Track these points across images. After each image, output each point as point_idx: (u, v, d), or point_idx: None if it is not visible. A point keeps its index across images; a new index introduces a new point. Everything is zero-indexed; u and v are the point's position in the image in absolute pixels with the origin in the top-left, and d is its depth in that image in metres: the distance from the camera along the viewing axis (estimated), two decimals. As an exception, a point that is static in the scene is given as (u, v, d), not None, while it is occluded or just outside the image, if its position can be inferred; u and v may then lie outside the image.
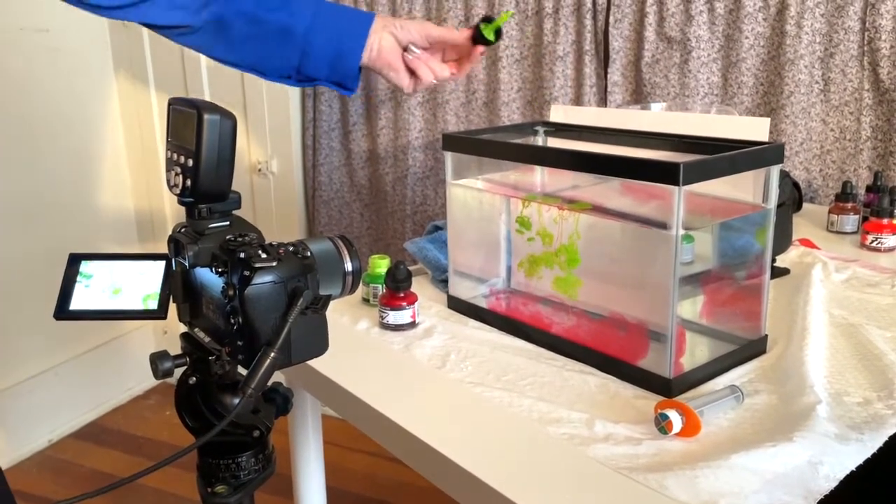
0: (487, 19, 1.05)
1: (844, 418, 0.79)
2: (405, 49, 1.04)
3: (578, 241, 0.96)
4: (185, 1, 0.91)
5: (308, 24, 0.98)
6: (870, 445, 0.75)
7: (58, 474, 2.24)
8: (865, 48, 1.62)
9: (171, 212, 2.58)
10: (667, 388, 0.86)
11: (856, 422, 0.79)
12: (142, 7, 0.88)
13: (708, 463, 0.72)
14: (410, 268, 1.32)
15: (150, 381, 2.68)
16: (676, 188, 0.80)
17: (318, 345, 0.62)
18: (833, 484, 0.70)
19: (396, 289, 1.07)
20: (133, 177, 2.62)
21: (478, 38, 1.05)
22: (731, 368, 0.92)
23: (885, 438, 0.77)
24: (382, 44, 1.02)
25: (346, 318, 1.13)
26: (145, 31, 2.40)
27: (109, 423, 2.51)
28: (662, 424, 0.77)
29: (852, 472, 0.72)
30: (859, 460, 0.73)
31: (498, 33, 1.05)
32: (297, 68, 1.00)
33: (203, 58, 2.34)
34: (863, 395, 0.85)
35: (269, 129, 2.31)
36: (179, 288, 0.66)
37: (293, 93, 2.28)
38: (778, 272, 1.21)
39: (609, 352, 0.93)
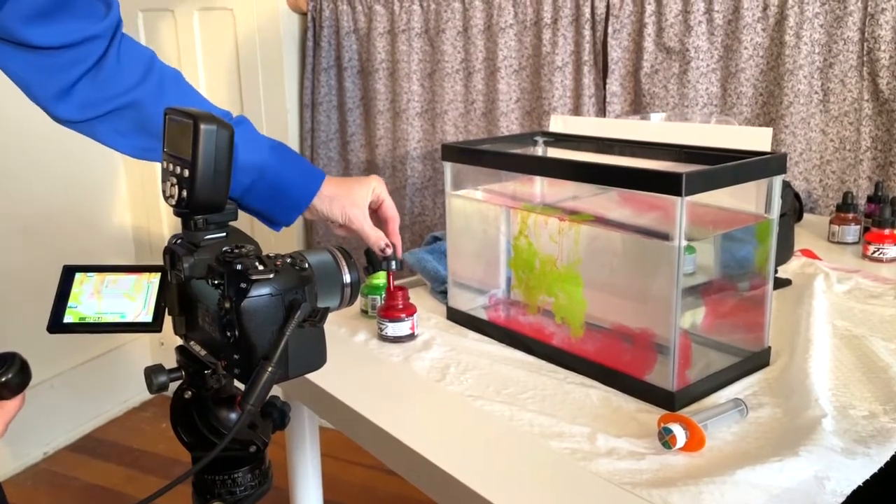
0: (376, 264, 1.05)
1: (850, 432, 0.78)
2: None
3: (579, 265, 0.95)
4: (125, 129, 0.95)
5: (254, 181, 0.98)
6: (877, 460, 0.74)
7: (53, 487, 2.22)
8: (865, 58, 1.62)
9: (169, 225, 2.57)
10: (670, 401, 0.85)
11: (862, 436, 0.78)
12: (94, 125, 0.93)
13: (713, 478, 0.70)
14: (408, 279, 1.31)
15: (146, 393, 2.64)
16: (679, 199, 0.79)
17: (317, 358, 0.61)
18: (840, 500, 0.68)
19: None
20: (130, 190, 2.62)
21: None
22: (735, 381, 0.91)
23: (891, 452, 0.75)
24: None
25: (344, 329, 1.12)
26: (142, 41, 2.40)
27: (105, 435, 2.49)
28: (666, 439, 0.75)
29: (859, 488, 0.71)
30: (866, 475, 0.72)
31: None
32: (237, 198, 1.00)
33: (201, 70, 2.34)
34: (868, 408, 0.84)
35: (267, 140, 2.30)
36: (175, 300, 0.64)
37: (291, 104, 2.28)
38: (780, 283, 1.20)
39: (611, 364, 0.91)
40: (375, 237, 1.03)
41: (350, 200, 1.02)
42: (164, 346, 2.63)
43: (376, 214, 1.06)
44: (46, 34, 0.85)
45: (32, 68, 0.88)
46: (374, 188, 1.04)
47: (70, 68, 0.89)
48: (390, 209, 1.06)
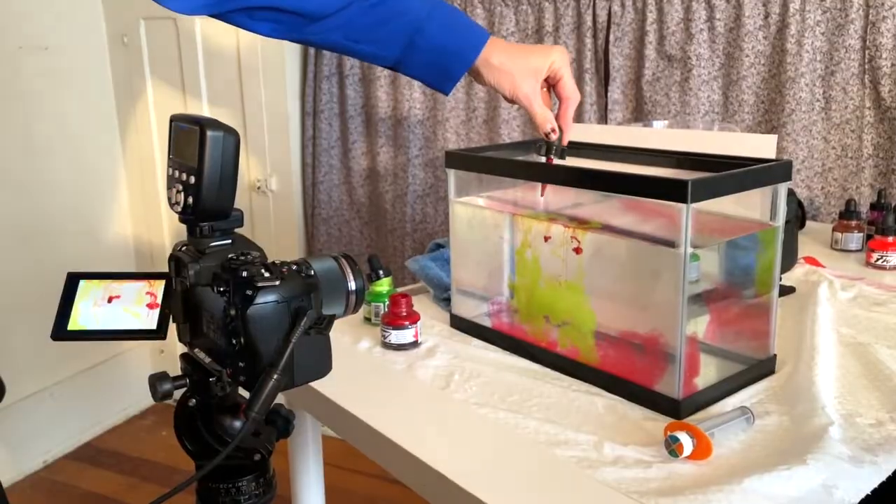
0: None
1: (858, 440, 0.78)
2: None
3: (583, 279, 0.94)
4: None
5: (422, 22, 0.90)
6: (884, 468, 0.74)
7: (53, 496, 2.21)
8: (866, 66, 1.62)
9: (169, 231, 2.57)
10: (676, 409, 0.84)
11: (869, 444, 0.77)
12: None
13: (720, 487, 0.70)
14: (412, 286, 1.31)
15: (146, 401, 2.65)
16: (685, 206, 0.79)
17: (322, 366, 0.60)
18: (849, 508, 0.68)
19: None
20: (131, 197, 2.61)
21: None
22: (741, 389, 0.91)
23: (899, 461, 0.75)
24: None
25: (347, 337, 1.11)
26: (144, 48, 2.41)
27: (105, 443, 2.48)
28: (673, 447, 0.75)
29: (867, 496, 0.70)
30: (874, 483, 0.72)
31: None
32: (397, 59, 0.92)
33: (203, 77, 2.34)
34: (875, 415, 0.83)
35: (269, 147, 2.30)
36: (180, 307, 0.64)
37: (293, 111, 2.28)
38: (784, 291, 1.20)
39: (618, 373, 0.91)
40: (542, 118, 0.95)
41: (522, 73, 0.93)
42: (164, 354, 2.63)
43: (552, 91, 0.97)
44: None
45: None
46: (554, 62, 0.94)
47: None
48: (567, 88, 0.96)
